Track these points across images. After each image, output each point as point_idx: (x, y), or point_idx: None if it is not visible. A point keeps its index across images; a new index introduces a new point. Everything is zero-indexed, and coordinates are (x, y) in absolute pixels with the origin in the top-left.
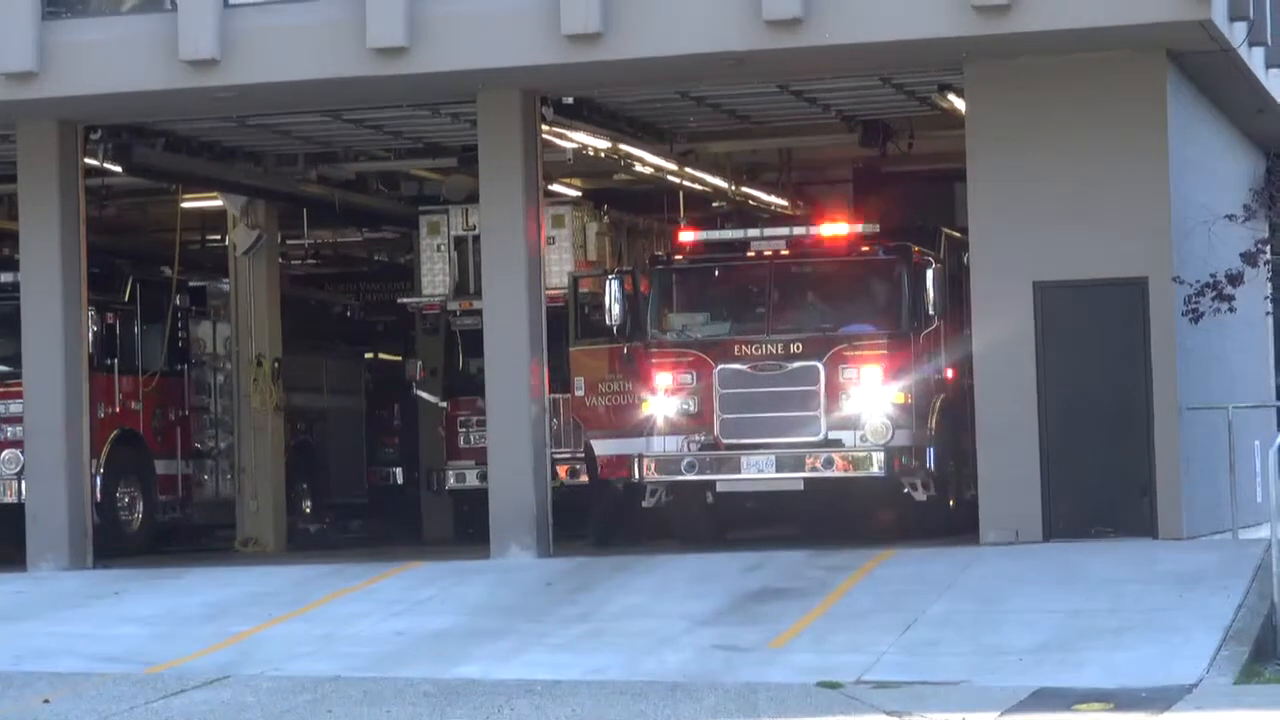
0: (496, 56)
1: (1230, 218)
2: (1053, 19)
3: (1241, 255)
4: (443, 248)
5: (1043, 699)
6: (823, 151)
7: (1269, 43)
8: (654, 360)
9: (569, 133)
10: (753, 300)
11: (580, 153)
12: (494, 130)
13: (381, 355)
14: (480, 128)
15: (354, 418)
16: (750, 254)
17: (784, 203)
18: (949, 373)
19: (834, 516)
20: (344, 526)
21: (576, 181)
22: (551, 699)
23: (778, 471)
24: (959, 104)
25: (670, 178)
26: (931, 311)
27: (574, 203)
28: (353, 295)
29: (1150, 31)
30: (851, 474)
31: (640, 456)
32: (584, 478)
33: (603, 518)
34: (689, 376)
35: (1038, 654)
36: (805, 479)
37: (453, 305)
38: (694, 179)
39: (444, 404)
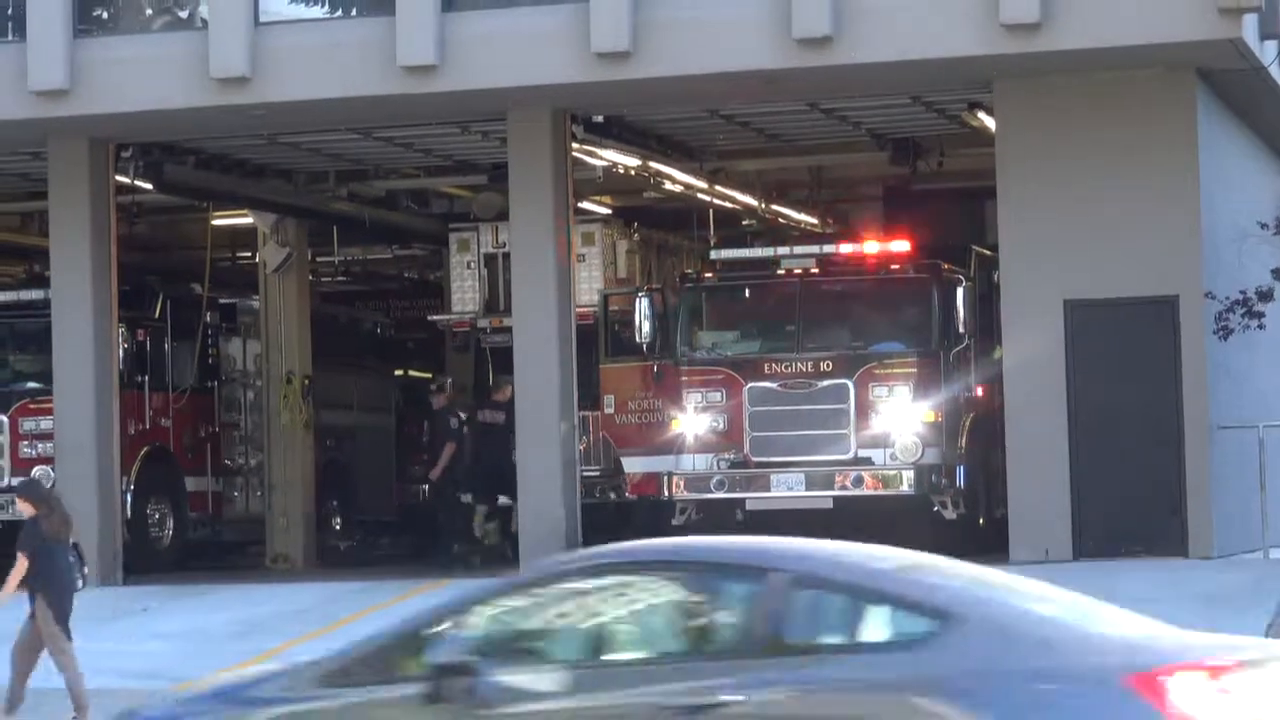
0: (527, 75)
1: (1263, 226)
2: (1082, 37)
3: (1272, 271)
4: (473, 265)
5: None
6: (853, 169)
7: None
8: (684, 378)
9: (599, 150)
10: (782, 318)
11: (610, 170)
12: (524, 148)
13: (411, 372)
14: (510, 145)
15: (384, 435)
16: (780, 272)
17: (814, 221)
18: (979, 391)
19: (863, 535)
20: (373, 543)
21: (606, 199)
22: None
23: (807, 490)
24: (989, 122)
25: (700, 195)
26: (962, 330)
27: (604, 220)
28: (382, 312)
29: (1180, 50)
30: (881, 492)
31: (670, 474)
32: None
33: (632, 535)
34: (719, 394)
35: None
36: (835, 497)
37: (483, 322)
38: (724, 197)
39: None
